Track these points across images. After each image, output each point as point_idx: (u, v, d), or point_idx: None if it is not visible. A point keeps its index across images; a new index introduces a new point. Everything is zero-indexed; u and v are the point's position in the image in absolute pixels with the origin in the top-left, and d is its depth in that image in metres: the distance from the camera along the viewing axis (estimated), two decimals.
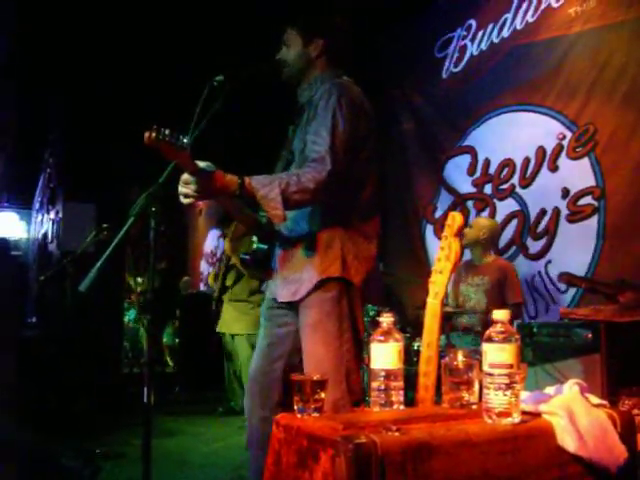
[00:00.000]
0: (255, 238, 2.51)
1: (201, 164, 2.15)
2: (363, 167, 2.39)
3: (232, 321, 5.71)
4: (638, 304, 3.46)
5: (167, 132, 1.95)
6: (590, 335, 3.47)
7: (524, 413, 1.71)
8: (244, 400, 2.56)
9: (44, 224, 10.27)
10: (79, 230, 6.65)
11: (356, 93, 2.42)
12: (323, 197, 2.26)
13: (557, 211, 5.05)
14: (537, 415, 1.74)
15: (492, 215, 5.62)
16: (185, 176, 2.16)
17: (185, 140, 2.02)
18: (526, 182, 5.36)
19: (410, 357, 4.44)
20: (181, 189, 2.18)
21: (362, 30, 6.15)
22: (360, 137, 2.35)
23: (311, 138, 2.31)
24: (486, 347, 1.67)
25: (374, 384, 1.86)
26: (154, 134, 1.93)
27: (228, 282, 5.71)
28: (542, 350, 3.78)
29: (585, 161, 4.88)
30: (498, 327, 1.68)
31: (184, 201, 2.19)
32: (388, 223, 6.85)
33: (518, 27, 5.58)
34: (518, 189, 5.45)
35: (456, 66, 6.28)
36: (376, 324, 1.94)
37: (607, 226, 4.69)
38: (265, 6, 5.34)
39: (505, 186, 5.57)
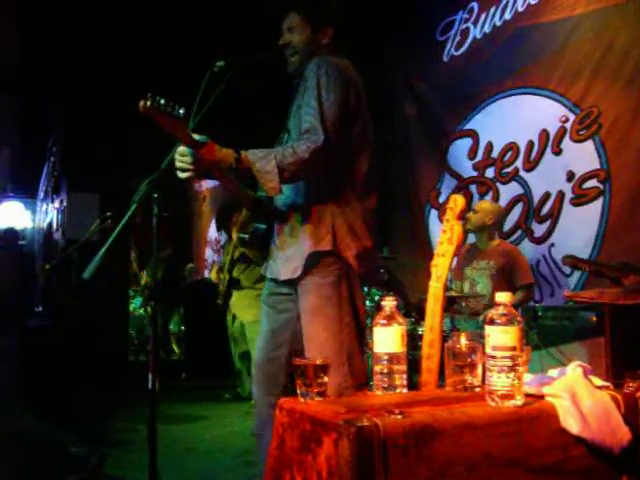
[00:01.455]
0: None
1: (197, 137, 2.14)
2: (357, 140, 2.39)
3: (243, 308, 5.71)
4: None
5: (162, 101, 1.94)
6: (595, 318, 3.47)
7: (527, 395, 1.71)
8: (252, 387, 2.57)
9: (49, 213, 10.29)
10: (84, 219, 6.66)
11: (344, 65, 2.42)
12: (319, 167, 2.27)
13: (561, 194, 5.03)
14: (540, 397, 1.74)
15: (495, 199, 5.60)
16: (181, 148, 2.15)
17: (181, 111, 2.00)
18: (530, 165, 5.35)
19: (415, 342, 4.44)
20: (177, 163, 2.17)
21: (364, 15, 6.14)
22: (351, 108, 2.35)
23: (303, 110, 2.31)
24: (489, 329, 1.67)
25: (377, 368, 1.86)
26: (149, 102, 1.92)
27: (235, 273, 5.70)
28: (547, 333, 3.78)
29: (589, 144, 4.85)
30: (501, 309, 1.67)
31: (181, 175, 2.19)
32: (392, 208, 6.86)
33: (520, 9, 5.54)
34: (522, 172, 5.43)
35: (457, 49, 6.24)
36: (380, 309, 1.95)
37: (612, 209, 4.67)
38: None
39: (508, 169, 5.56)
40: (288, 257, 2.38)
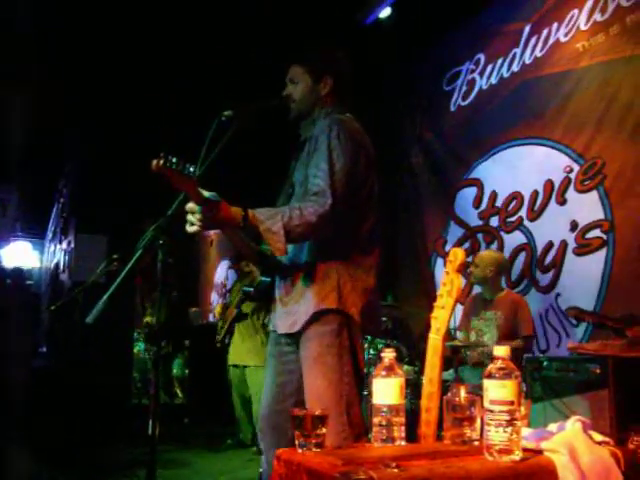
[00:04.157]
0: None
1: (206, 194, 2.17)
2: (364, 203, 2.42)
3: (244, 353, 5.70)
4: None
5: (174, 160, 1.98)
6: (598, 370, 3.44)
7: (525, 450, 1.70)
8: (258, 438, 2.56)
9: (56, 254, 10.34)
10: (90, 261, 6.70)
11: (355, 128, 2.46)
12: (325, 230, 2.28)
13: (564, 244, 5.04)
14: (539, 452, 1.73)
15: (500, 248, 5.62)
16: (190, 204, 2.18)
17: (192, 169, 2.04)
18: (534, 215, 5.36)
19: (418, 391, 4.40)
20: (187, 218, 2.20)
21: (374, 65, 6.27)
22: (360, 172, 2.38)
23: (312, 172, 2.34)
24: (487, 383, 1.67)
25: (376, 419, 1.86)
26: (162, 161, 1.96)
27: (245, 309, 5.69)
28: (551, 385, 3.75)
29: (594, 194, 4.87)
30: (499, 363, 1.68)
31: (189, 229, 2.21)
32: (399, 256, 6.87)
33: (527, 61, 5.63)
34: (526, 222, 5.45)
35: (464, 99, 6.33)
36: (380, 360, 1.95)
37: (615, 259, 4.66)
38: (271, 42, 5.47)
39: (512, 219, 5.58)
40: (290, 312, 2.40)
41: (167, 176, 2.00)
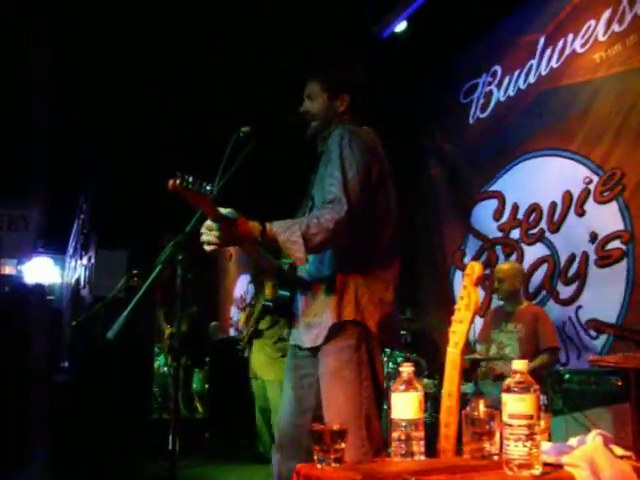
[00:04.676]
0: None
1: (224, 211, 2.19)
2: (380, 210, 2.44)
3: (264, 366, 5.71)
4: None
5: (191, 179, 1.99)
6: (620, 383, 3.41)
7: (545, 465, 1.69)
8: (272, 451, 2.56)
9: (77, 269, 10.44)
10: (111, 276, 6.75)
11: (367, 135, 2.48)
12: (343, 237, 2.29)
13: (586, 255, 5.01)
14: (559, 467, 1.71)
15: (520, 260, 5.59)
16: (208, 223, 2.20)
17: (208, 187, 2.05)
18: (554, 227, 5.34)
19: (439, 404, 4.38)
20: (204, 237, 2.22)
21: (392, 80, 6.28)
22: (374, 179, 2.39)
23: (327, 181, 2.36)
24: (505, 397, 1.66)
25: (395, 434, 1.85)
26: (178, 181, 1.97)
27: (262, 326, 5.71)
28: (572, 398, 3.72)
29: (613, 205, 4.84)
30: (517, 377, 1.67)
31: (207, 248, 2.23)
32: (417, 269, 6.86)
33: (543, 72, 5.62)
34: (547, 234, 5.42)
35: (483, 112, 6.32)
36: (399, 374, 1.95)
37: (636, 270, 4.63)
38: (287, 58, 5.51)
39: (534, 231, 5.55)
40: (311, 325, 2.41)
41: (183, 195, 2.02)
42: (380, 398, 2.38)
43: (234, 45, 6.16)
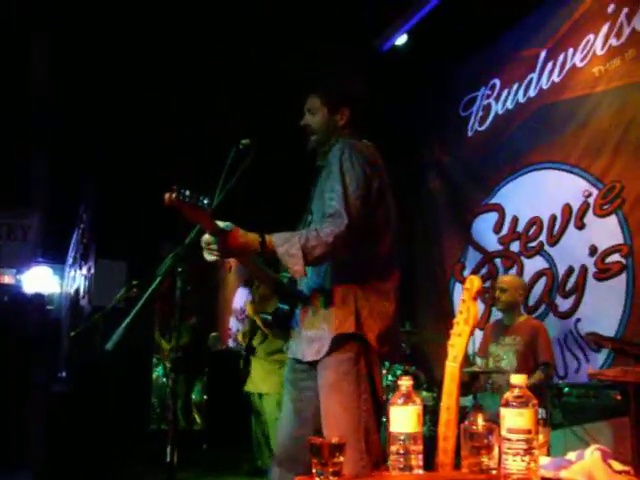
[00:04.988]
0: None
1: (221, 224, 2.19)
2: (380, 223, 2.44)
3: (259, 380, 5.69)
4: None
5: (187, 193, 2.00)
6: (619, 397, 3.41)
7: (544, 479, 1.69)
8: (271, 465, 2.55)
9: (76, 279, 10.41)
10: (110, 286, 6.74)
11: (367, 149, 2.49)
12: (342, 250, 2.30)
13: (585, 269, 5.01)
14: None
15: (520, 273, 5.59)
16: (206, 237, 2.21)
17: (205, 201, 2.05)
18: (553, 240, 5.35)
19: (438, 417, 4.37)
20: (203, 250, 2.23)
21: (392, 93, 6.30)
22: (374, 192, 2.40)
23: (327, 195, 2.37)
24: (503, 412, 1.66)
25: (393, 448, 1.85)
26: (174, 195, 1.98)
27: (255, 342, 5.71)
28: (571, 411, 3.71)
29: (612, 218, 4.85)
30: (516, 392, 1.67)
31: (208, 258, 2.24)
32: (417, 282, 6.86)
33: (544, 87, 5.65)
34: (547, 247, 5.43)
35: (481, 125, 6.34)
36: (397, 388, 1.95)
37: (636, 284, 4.63)
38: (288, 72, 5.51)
39: (533, 244, 5.56)
40: (312, 338, 2.41)
41: (180, 209, 2.03)
42: (379, 411, 2.37)
43: (234, 45, 6.16)
